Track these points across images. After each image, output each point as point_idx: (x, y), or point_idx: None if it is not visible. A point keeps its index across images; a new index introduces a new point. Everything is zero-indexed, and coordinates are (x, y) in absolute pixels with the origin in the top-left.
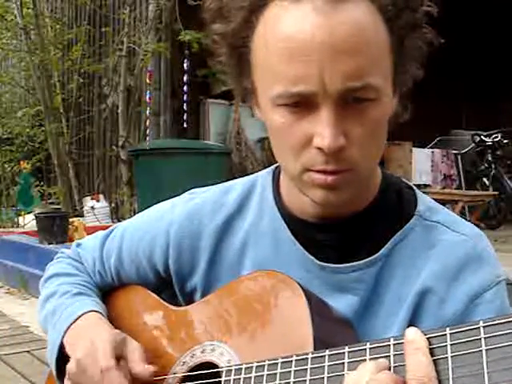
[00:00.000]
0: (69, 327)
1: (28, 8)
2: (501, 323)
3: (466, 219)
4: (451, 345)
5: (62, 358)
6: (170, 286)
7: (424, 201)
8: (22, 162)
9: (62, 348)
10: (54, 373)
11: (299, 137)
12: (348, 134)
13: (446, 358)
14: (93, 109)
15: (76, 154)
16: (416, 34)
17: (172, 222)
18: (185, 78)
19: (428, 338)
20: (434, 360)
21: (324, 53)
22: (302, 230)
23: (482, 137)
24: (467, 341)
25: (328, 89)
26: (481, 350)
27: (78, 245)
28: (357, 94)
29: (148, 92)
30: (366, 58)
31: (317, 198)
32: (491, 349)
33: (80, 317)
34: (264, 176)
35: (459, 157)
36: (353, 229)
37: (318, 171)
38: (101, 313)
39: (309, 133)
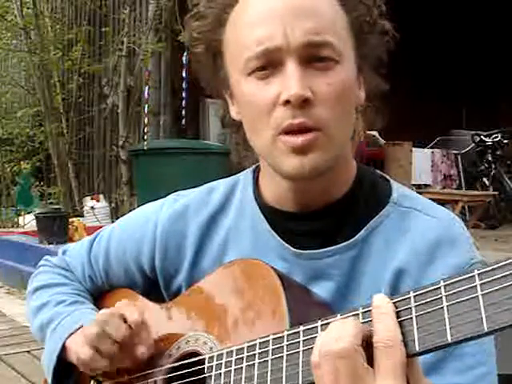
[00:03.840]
0: (73, 333)
1: (28, 8)
2: (460, 280)
3: (466, 219)
4: (415, 306)
5: (60, 364)
6: (157, 287)
7: (398, 189)
8: (22, 162)
9: (62, 353)
10: (50, 378)
11: (267, 98)
12: (314, 91)
13: (411, 318)
14: (93, 109)
15: (76, 154)
16: (373, 31)
17: (158, 222)
18: (184, 78)
19: (394, 303)
20: (399, 322)
21: (286, 13)
22: (280, 220)
23: (482, 137)
24: (430, 300)
25: (291, 42)
26: (442, 308)
27: (64, 252)
28: (318, 51)
29: (146, 89)
30: (324, 19)
31: (291, 167)
32: (452, 304)
33: (83, 326)
34: (245, 175)
35: (459, 157)
36: (329, 217)
37: (287, 132)
38: None
39: (276, 92)
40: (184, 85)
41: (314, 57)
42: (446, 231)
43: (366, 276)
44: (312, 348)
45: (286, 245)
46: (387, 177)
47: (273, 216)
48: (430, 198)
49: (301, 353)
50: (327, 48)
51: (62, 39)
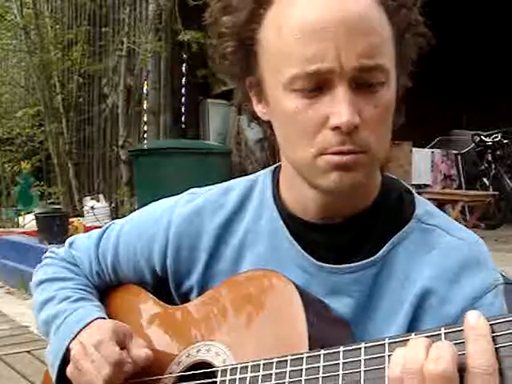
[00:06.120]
0: (78, 333)
1: (28, 8)
2: None
3: (466, 219)
4: None
5: (65, 363)
6: (166, 286)
7: (422, 204)
8: (22, 162)
9: (66, 353)
10: (55, 377)
11: (313, 119)
12: (362, 115)
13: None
14: (93, 109)
15: (76, 154)
16: (411, 34)
17: (171, 222)
18: (184, 78)
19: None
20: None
21: (340, 31)
22: (302, 230)
23: (482, 137)
24: None
25: (344, 66)
26: None
27: (71, 244)
28: (369, 76)
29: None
30: (377, 39)
31: (331, 182)
32: None
33: (88, 324)
34: (263, 176)
35: (459, 157)
36: (353, 230)
37: (334, 153)
38: (105, 318)
39: (324, 114)
40: (184, 85)
41: (364, 82)
42: (472, 252)
43: (387, 293)
44: (332, 376)
45: (307, 255)
46: (411, 189)
47: (293, 224)
48: (429, 198)
49: (320, 379)
50: (378, 72)
51: (62, 39)
